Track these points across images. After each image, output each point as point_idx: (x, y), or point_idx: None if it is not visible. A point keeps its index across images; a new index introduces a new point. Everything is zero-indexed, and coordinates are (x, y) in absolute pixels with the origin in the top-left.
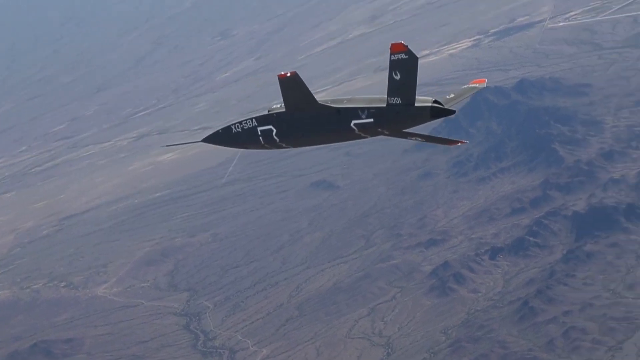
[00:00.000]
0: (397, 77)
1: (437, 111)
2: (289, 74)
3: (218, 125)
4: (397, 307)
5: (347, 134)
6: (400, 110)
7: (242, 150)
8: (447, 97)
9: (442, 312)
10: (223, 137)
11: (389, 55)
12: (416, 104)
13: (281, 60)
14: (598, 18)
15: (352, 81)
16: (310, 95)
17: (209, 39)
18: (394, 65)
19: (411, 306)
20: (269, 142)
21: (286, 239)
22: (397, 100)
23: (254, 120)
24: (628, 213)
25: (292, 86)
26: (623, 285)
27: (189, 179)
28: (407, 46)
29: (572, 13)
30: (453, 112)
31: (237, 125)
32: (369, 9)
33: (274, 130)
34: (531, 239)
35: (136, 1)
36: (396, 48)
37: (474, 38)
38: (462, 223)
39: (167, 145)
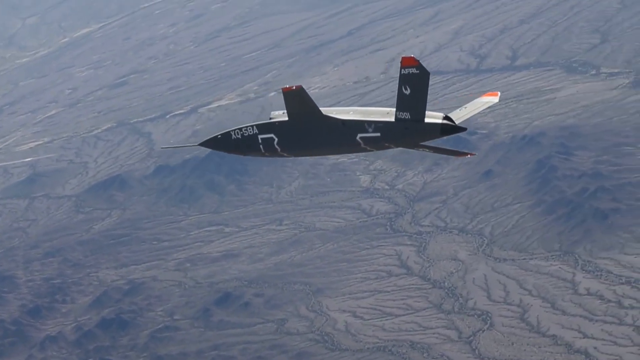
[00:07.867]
0: (407, 92)
1: (448, 128)
2: (294, 88)
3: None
4: None
5: (352, 147)
6: (409, 126)
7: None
8: (459, 111)
9: None
10: (221, 142)
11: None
12: (426, 120)
13: None
14: None
15: None
16: (315, 109)
17: None
18: (404, 80)
19: None
20: (269, 150)
21: None
22: (406, 116)
23: (255, 127)
24: None
25: (296, 100)
26: None
27: None
28: (418, 60)
29: None
30: (464, 129)
31: (237, 132)
32: None
33: (276, 139)
34: None
35: None
36: (407, 62)
37: None
38: None
39: (162, 148)
